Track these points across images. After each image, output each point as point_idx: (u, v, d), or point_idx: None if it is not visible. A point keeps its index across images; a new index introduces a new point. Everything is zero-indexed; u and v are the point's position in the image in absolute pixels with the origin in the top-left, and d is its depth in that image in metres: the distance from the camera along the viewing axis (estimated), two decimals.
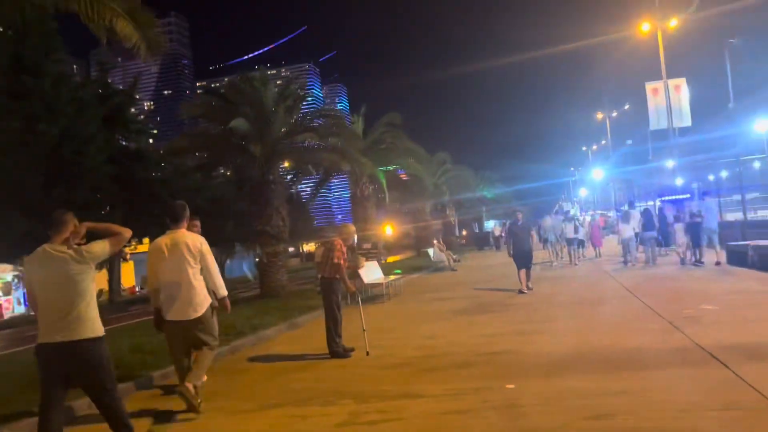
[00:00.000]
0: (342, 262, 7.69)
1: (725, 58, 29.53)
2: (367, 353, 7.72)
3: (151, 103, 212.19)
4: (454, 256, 23.41)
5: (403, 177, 31.68)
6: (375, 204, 28.20)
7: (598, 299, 11.04)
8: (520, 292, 12.65)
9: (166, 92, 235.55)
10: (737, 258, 15.03)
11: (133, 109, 27.31)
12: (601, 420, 4.45)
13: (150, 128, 27.64)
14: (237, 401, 6.12)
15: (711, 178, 40.62)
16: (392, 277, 16.32)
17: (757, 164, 40.77)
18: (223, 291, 5.86)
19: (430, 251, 22.83)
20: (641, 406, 4.65)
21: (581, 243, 21.54)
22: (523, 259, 13.09)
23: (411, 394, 5.68)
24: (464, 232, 56.03)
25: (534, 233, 12.78)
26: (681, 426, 4.19)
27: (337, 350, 7.78)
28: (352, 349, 7.90)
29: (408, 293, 15.68)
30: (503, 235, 34.09)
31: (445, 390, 5.71)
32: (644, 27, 30.37)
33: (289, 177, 20.65)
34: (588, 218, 35.10)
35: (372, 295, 15.01)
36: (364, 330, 8.01)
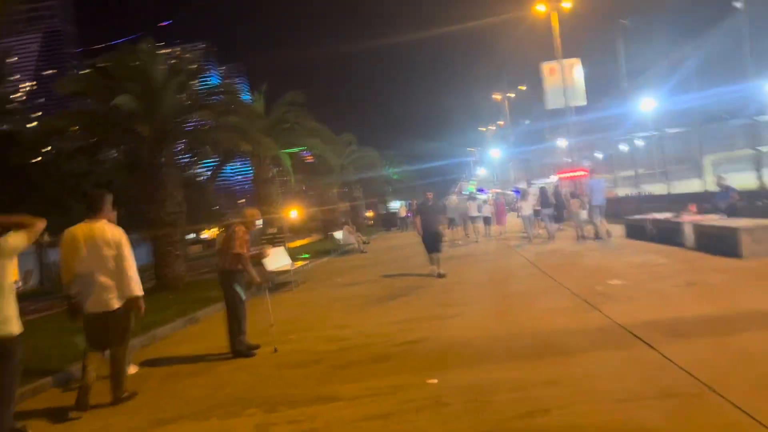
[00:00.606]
0: (244, 251, 6.92)
1: (618, 39, 30.86)
2: (275, 350, 7.04)
3: (34, 83, 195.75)
4: (364, 238, 22.97)
5: (309, 159, 30.81)
6: (280, 186, 27.21)
7: (511, 278, 10.92)
8: (433, 275, 12.02)
9: (48, 72, 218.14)
10: (636, 231, 15.56)
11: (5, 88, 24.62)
12: (536, 417, 4.07)
13: (26, 108, 25.06)
14: (121, 416, 5.28)
15: (599, 155, 42.72)
16: (300, 262, 15.60)
17: (640, 142, 43.30)
18: (139, 291, 5.61)
19: (338, 234, 22.24)
20: (575, 398, 4.32)
21: (488, 220, 22.14)
22: (432, 242, 12.34)
23: (324, 397, 5.09)
24: (371, 213, 55.94)
25: (443, 216, 12.23)
26: (622, 419, 3.87)
27: (240, 349, 7.03)
28: (258, 347, 7.18)
29: (317, 279, 15.03)
30: (409, 215, 34.13)
31: (362, 390, 5.16)
32: (540, 8, 31.03)
33: (185, 159, 19.29)
34: (491, 197, 35.87)
35: (278, 283, 14.24)
36: (271, 325, 7.30)
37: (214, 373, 6.54)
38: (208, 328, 9.37)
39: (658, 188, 31.34)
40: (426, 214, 12.44)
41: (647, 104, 37.15)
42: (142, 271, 6.48)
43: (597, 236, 16.17)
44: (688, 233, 12.19)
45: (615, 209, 26.53)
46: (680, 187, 32.31)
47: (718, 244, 11.14)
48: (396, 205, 54.64)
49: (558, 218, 22.13)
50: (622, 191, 34.77)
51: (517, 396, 4.52)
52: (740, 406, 3.79)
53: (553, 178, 43.43)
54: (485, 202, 24.21)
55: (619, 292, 8.10)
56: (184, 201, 14.63)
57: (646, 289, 8.15)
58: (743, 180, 20.65)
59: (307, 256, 22.10)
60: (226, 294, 7.13)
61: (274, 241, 19.84)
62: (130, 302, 5.57)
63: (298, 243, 35.35)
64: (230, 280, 7.03)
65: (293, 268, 13.98)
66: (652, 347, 5.29)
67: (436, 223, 12.58)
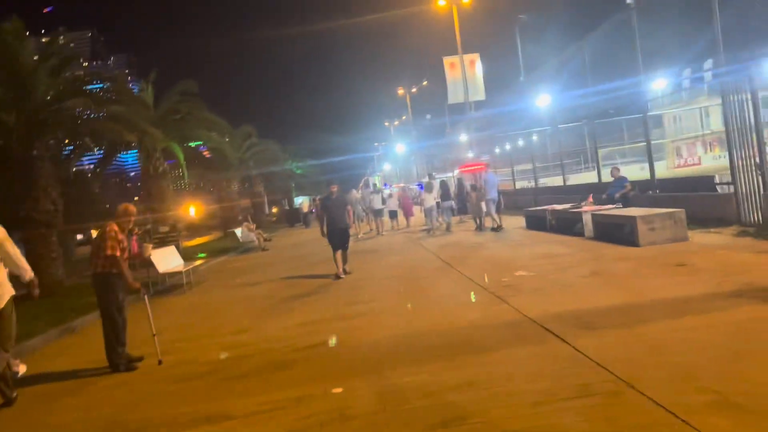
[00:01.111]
0: (117, 252, 6.09)
1: (516, 34, 31.71)
2: (160, 362, 6.27)
3: None
4: (265, 235, 22.07)
5: (206, 154, 29.34)
6: (173, 182, 25.70)
7: (418, 272, 10.63)
8: (337, 277, 10.97)
9: None
10: (536, 222, 15.84)
11: None
12: (451, 427, 3.68)
13: None
14: None
15: (497, 150, 43.96)
16: (196, 262, 14.61)
17: (535, 137, 45.06)
18: (31, 273, 5.89)
19: (238, 231, 21.22)
20: (492, 403, 3.98)
21: (393, 214, 22.59)
22: (338, 239, 11.34)
23: (215, 416, 4.47)
24: (274, 209, 54.57)
25: (351, 208, 11.50)
26: (543, 425, 3.55)
27: (118, 362, 6.21)
28: (140, 359, 6.39)
29: (214, 280, 14.11)
30: (313, 210, 33.45)
31: (259, 404, 4.59)
32: (440, 2, 31.27)
33: (65, 152, 17.61)
34: (396, 190, 35.87)
35: (169, 285, 13.22)
36: (154, 334, 6.51)
37: (89, 391, 5.70)
38: (86, 339, 8.36)
39: (553, 180, 32.62)
40: (331, 209, 11.39)
41: (542, 100, 38.62)
42: (14, 276, 5.72)
43: (496, 228, 16.42)
44: (587, 223, 12.45)
45: (513, 201, 27.29)
46: (575, 179, 33.73)
47: (616, 233, 11.42)
48: (300, 200, 53.72)
49: (460, 210, 22.94)
50: (519, 184, 35.91)
51: (430, 403, 4.12)
52: (659, 402, 3.58)
53: (455, 172, 44.31)
54: (390, 195, 24.49)
55: (525, 284, 7.98)
56: (60, 198, 13.20)
57: (552, 279, 8.08)
58: (630, 171, 21.86)
59: (203, 255, 20.94)
60: (99, 300, 6.27)
61: (167, 240, 18.60)
62: (29, 284, 5.91)
63: (196, 241, 33.71)
64: (105, 284, 6.18)
65: (187, 269, 13.02)
66: (564, 341, 5.09)
67: (343, 218, 11.43)
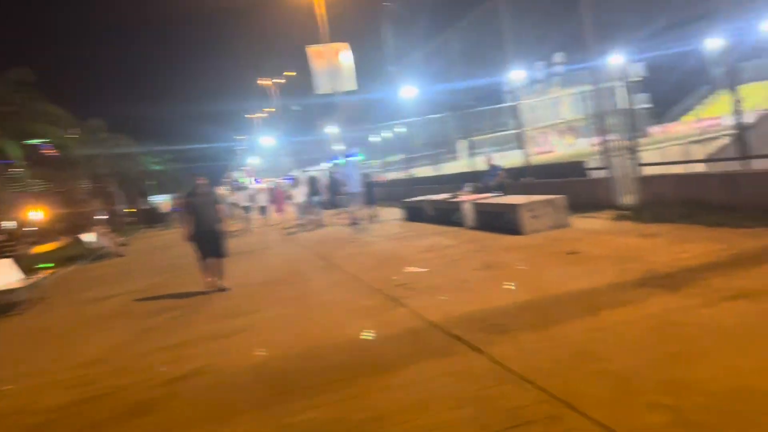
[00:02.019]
0: None
1: (384, 23, 31.36)
2: None
3: None
4: (120, 239, 19.90)
5: (51, 152, 26.09)
6: (11, 183, 22.56)
7: (299, 274, 9.70)
8: (220, 289, 9.01)
9: None
10: (414, 213, 15.49)
11: None
12: None
13: None
14: None
15: (372, 140, 43.90)
16: (39, 275, 12.58)
17: (401, 129, 45.53)
18: None
19: (88, 236, 18.92)
20: None
21: (263, 210, 22.07)
22: (208, 244, 9.08)
23: None
24: (129, 210, 50.48)
25: (221, 206, 9.75)
26: None
27: None
28: None
29: (60, 294, 12.21)
30: (176, 210, 31.13)
31: None
32: None
33: None
34: (264, 186, 34.46)
35: (2, 305, 11.20)
36: None
37: None
38: None
39: (424, 171, 32.90)
40: (198, 207, 9.13)
41: (408, 92, 38.88)
42: None
43: (359, 222, 16.35)
44: (468, 213, 12.21)
45: (387, 193, 27.08)
46: (444, 168, 34.25)
47: (498, 221, 11.23)
48: (160, 199, 50.06)
49: (333, 204, 22.55)
50: (392, 176, 35.93)
51: None
52: (612, 428, 3.04)
53: (325, 165, 43.55)
54: (259, 191, 23.84)
55: (418, 282, 7.38)
56: None
57: (446, 275, 7.55)
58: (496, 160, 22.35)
59: (51, 265, 18.47)
60: None
61: (3, 251, 16.10)
62: None
63: (44, 248, 30.09)
64: None
65: (24, 285, 11.08)
66: (478, 350, 4.49)
67: (213, 217, 9.22)
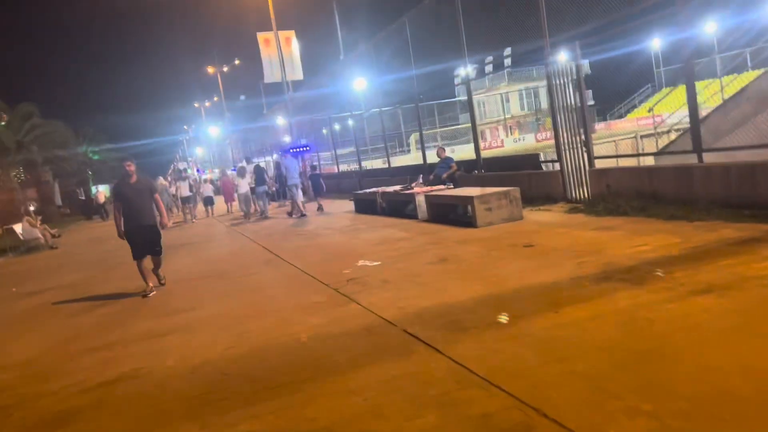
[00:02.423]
0: None
1: (334, 10, 30.79)
2: None
3: None
4: (53, 231, 18.74)
5: None
6: None
7: (243, 268, 9.17)
8: (145, 295, 7.86)
9: None
10: (365, 206, 15.10)
11: None
12: None
13: None
14: None
15: (325, 131, 43.15)
16: None
17: (350, 122, 44.97)
18: None
19: (18, 227, 17.73)
20: None
21: (209, 200, 21.78)
22: (142, 241, 7.97)
23: None
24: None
25: (158, 197, 8.33)
26: None
27: None
28: None
29: None
30: (106, 201, 29.70)
31: None
32: None
33: None
34: (208, 176, 33.45)
35: None
36: None
37: None
38: None
39: (372, 164, 32.54)
40: (130, 199, 7.91)
41: (359, 83, 38.42)
42: None
43: (297, 214, 16.33)
44: (421, 205, 11.91)
45: (337, 185, 26.62)
46: (395, 161, 33.92)
47: (451, 214, 10.99)
48: (97, 189, 47.96)
49: (279, 196, 22.19)
50: (341, 168, 35.45)
51: None
52: None
53: (273, 156, 42.65)
54: (205, 181, 23.29)
55: (371, 276, 7.00)
56: None
57: (399, 269, 7.20)
58: (433, 155, 22.22)
59: None
60: None
61: None
62: None
63: None
64: None
65: None
66: (437, 350, 4.15)
67: (148, 211, 8.06)
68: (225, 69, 53.25)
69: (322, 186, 19.75)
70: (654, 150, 20.76)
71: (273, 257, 9.80)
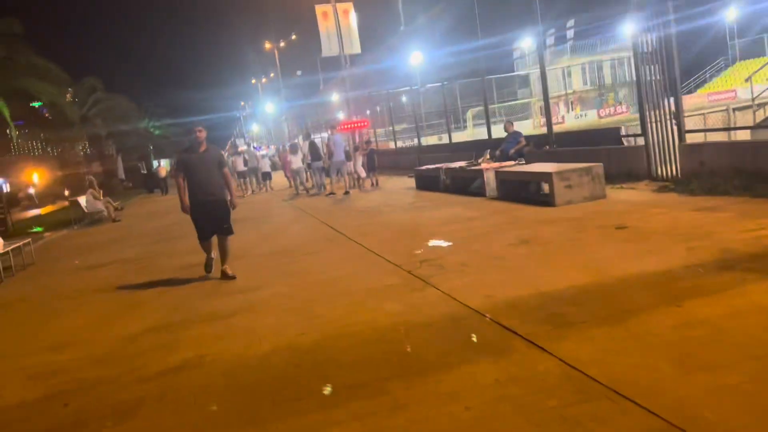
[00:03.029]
0: None
1: None
2: None
3: None
4: (116, 204, 18.93)
5: (46, 114, 24.93)
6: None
7: (306, 245, 8.73)
8: (225, 277, 6.97)
9: None
10: (427, 182, 14.49)
11: None
12: None
13: None
14: None
15: (378, 109, 42.54)
16: (24, 240, 11.63)
17: (403, 98, 44.01)
18: None
19: (82, 200, 17.95)
20: None
21: (266, 175, 21.92)
22: (207, 219, 6.95)
23: None
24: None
25: (227, 170, 7.32)
26: None
27: None
28: None
29: (46, 261, 11.31)
30: (167, 175, 29.91)
31: None
32: None
33: None
34: (265, 152, 33.46)
35: None
36: None
37: None
38: None
39: (427, 140, 31.72)
40: (195, 169, 6.89)
41: (415, 58, 37.50)
42: None
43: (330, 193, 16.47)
44: (490, 182, 11.21)
45: (395, 162, 26.02)
46: (455, 137, 32.92)
47: (524, 192, 10.28)
48: (158, 164, 48.90)
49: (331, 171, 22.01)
50: (397, 145, 34.83)
51: None
52: None
53: (328, 132, 42.37)
54: (264, 156, 23.49)
55: (446, 257, 6.43)
56: None
57: (477, 251, 6.59)
58: (499, 131, 21.44)
59: (39, 229, 17.60)
60: None
61: None
62: None
63: (41, 212, 29.24)
64: None
65: (10, 249, 10.16)
66: (542, 349, 3.55)
67: (215, 183, 6.98)
68: (282, 44, 53.07)
69: (375, 162, 19.26)
70: (750, 124, 19.21)
71: (336, 234, 9.34)
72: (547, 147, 13.34)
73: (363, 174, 17.93)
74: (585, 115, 49.85)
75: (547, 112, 13.48)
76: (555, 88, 58.19)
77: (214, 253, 7.25)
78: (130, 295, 7.00)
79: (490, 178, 11.20)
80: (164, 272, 8.05)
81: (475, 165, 12.33)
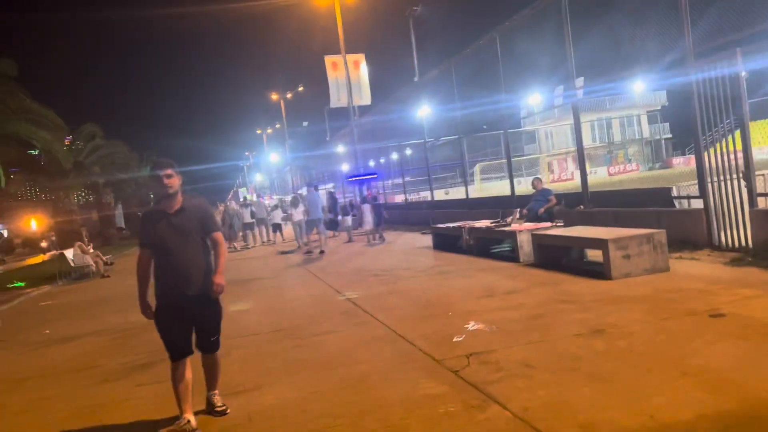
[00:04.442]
0: None
1: (410, 29, 29.41)
2: None
3: None
4: (105, 258, 17.54)
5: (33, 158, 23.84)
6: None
7: (315, 320, 7.28)
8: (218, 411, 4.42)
9: None
10: (446, 242, 13.17)
11: None
12: None
13: None
14: None
15: (382, 161, 41.59)
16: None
17: (408, 151, 43.16)
18: None
19: (69, 253, 16.58)
20: None
21: (277, 227, 22.34)
22: (183, 328, 4.22)
23: None
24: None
25: (219, 236, 4.37)
26: None
27: None
28: None
29: (11, 328, 9.85)
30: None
31: None
32: None
33: None
34: (270, 201, 32.41)
35: None
36: None
37: None
38: None
39: (437, 194, 30.53)
40: (165, 247, 4.16)
41: (424, 111, 36.85)
42: None
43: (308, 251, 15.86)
44: (524, 245, 9.87)
45: (404, 217, 24.77)
46: (455, 194, 31.84)
47: (564, 258, 8.95)
48: None
49: (332, 225, 21.72)
50: (399, 198, 33.72)
51: None
52: None
53: (330, 185, 41.37)
54: (276, 207, 22.87)
55: (499, 352, 5.02)
56: None
57: (537, 343, 5.18)
58: (504, 187, 20.41)
59: (20, 284, 16.21)
60: None
61: None
62: None
63: (27, 262, 27.81)
64: None
65: None
66: None
67: (197, 264, 4.21)
68: (289, 96, 52.77)
69: (382, 215, 18.22)
70: None
71: (350, 306, 7.94)
72: (581, 207, 12.07)
73: (370, 227, 17.08)
74: (595, 172, 48.94)
75: (581, 166, 12.25)
76: (563, 144, 57.73)
77: (187, 411, 4.13)
78: (93, 393, 5.54)
79: (524, 242, 9.87)
80: (144, 354, 6.60)
81: (504, 225, 11.02)
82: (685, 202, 10.05)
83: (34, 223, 42.62)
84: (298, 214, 17.86)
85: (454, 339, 5.59)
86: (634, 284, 7.12)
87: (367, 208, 17.65)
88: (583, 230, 9.09)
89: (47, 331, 8.92)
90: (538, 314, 6.21)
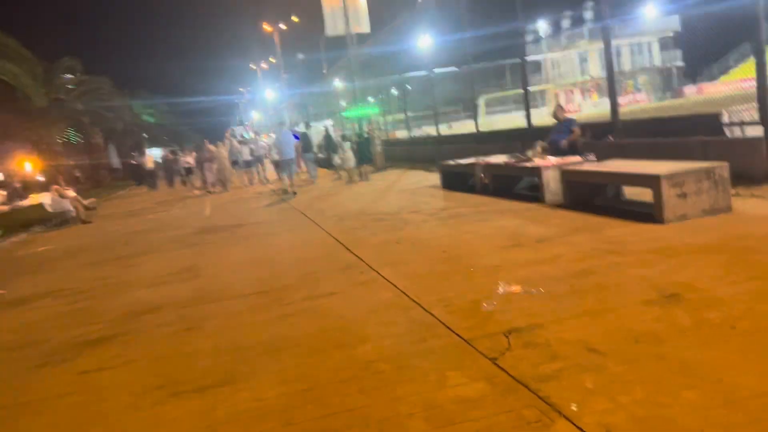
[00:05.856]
0: None
1: None
2: None
3: None
4: (86, 202, 16.28)
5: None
6: None
7: (311, 277, 6.08)
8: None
9: None
10: (457, 181, 11.86)
11: None
12: None
13: None
14: None
15: (381, 97, 39.67)
16: None
17: (407, 86, 41.03)
18: None
19: (46, 198, 15.34)
20: None
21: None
22: None
23: None
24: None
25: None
26: None
27: None
28: None
29: None
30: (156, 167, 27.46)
31: None
32: None
33: None
34: (267, 138, 30.98)
35: None
36: None
37: None
38: None
39: (441, 129, 28.96)
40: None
41: (425, 41, 34.67)
42: None
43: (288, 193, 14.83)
44: (550, 183, 8.57)
45: (409, 154, 23.38)
46: (460, 128, 30.13)
47: (599, 197, 7.68)
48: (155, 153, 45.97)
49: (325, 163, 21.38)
50: (401, 134, 32.17)
51: None
52: None
53: (329, 122, 39.61)
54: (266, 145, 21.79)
55: (547, 328, 3.80)
56: None
57: (595, 315, 3.96)
58: (515, 120, 19.12)
59: None
60: None
61: None
62: None
63: (22, 204, 26.61)
64: None
65: None
66: None
67: None
68: (283, 27, 50.13)
69: (369, 152, 17.49)
70: None
71: (352, 259, 6.72)
72: (611, 138, 10.68)
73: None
74: (601, 104, 47.00)
75: (611, 92, 10.79)
76: (571, 74, 55.43)
77: None
78: (22, 384, 4.39)
79: (550, 179, 8.56)
80: (103, 324, 5.42)
81: (525, 160, 9.68)
82: (737, 130, 8.66)
83: (28, 165, 41.21)
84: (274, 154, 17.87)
85: (484, 306, 4.38)
86: (693, 229, 5.86)
87: (349, 147, 17.22)
88: (623, 165, 7.75)
89: (2, 291, 7.74)
90: (584, 270, 4.98)
